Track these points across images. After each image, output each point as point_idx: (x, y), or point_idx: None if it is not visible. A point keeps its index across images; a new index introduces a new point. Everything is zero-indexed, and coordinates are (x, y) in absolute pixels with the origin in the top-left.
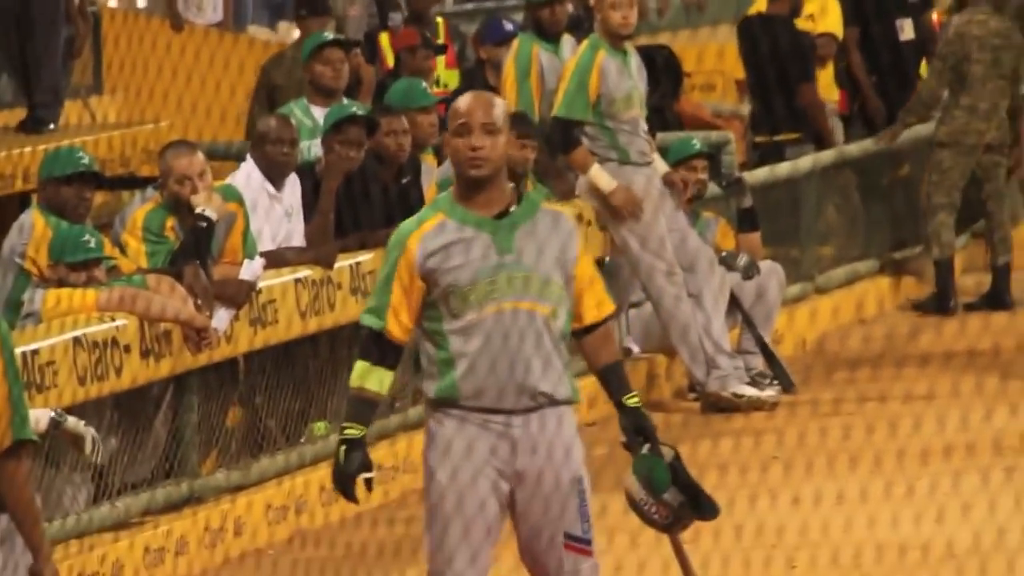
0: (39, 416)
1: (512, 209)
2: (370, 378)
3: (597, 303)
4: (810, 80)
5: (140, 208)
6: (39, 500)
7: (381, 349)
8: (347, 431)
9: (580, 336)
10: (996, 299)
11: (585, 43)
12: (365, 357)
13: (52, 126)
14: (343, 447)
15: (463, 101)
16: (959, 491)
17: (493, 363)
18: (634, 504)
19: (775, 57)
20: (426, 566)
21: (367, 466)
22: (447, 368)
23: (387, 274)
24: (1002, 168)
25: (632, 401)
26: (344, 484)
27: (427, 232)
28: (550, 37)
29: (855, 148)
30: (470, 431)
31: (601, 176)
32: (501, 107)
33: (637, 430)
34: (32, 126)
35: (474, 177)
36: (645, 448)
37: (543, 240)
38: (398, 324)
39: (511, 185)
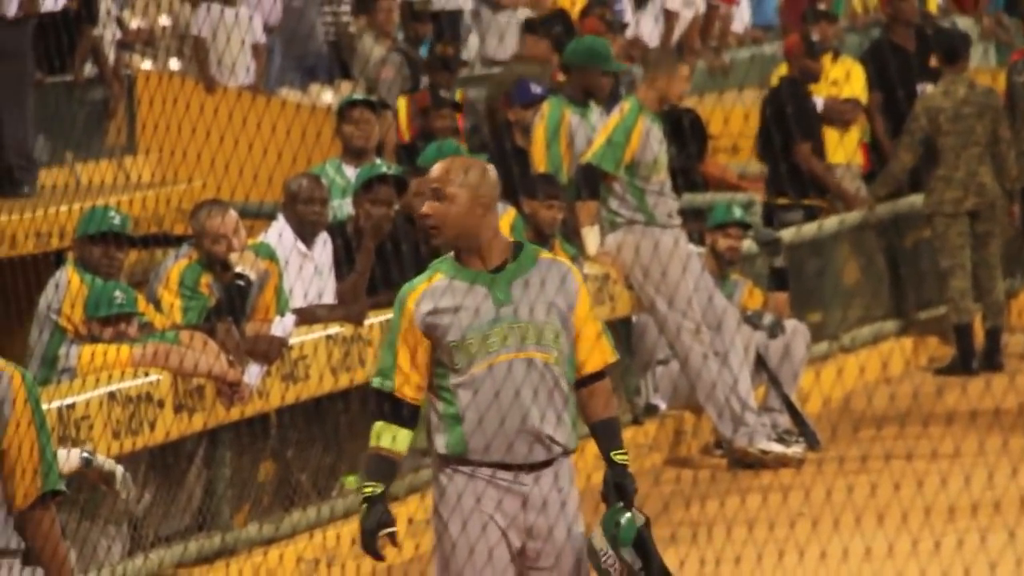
0: (70, 455)
1: (508, 262)
2: (384, 436)
3: (598, 353)
4: (806, 140)
5: (176, 264)
6: (73, 553)
7: (392, 408)
8: (365, 489)
9: (579, 387)
10: (990, 362)
11: (629, 103)
12: (378, 416)
13: (27, 189)
14: (363, 505)
15: (438, 167)
16: (986, 548)
17: (498, 415)
18: (593, 553)
19: (777, 120)
20: None
21: (387, 522)
22: (455, 423)
23: (391, 335)
24: (993, 237)
25: (620, 458)
26: (366, 541)
27: (425, 291)
28: (580, 101)
29: (880, 209)
30: (478, 485)
31: (592, 238)
32: (460, 168)
33: (618, 486)
34: (9, 189)
35: (432, 244)
36: (619, 504)
37: (539, 289)
38: (407, 383)
39: (509, 240)
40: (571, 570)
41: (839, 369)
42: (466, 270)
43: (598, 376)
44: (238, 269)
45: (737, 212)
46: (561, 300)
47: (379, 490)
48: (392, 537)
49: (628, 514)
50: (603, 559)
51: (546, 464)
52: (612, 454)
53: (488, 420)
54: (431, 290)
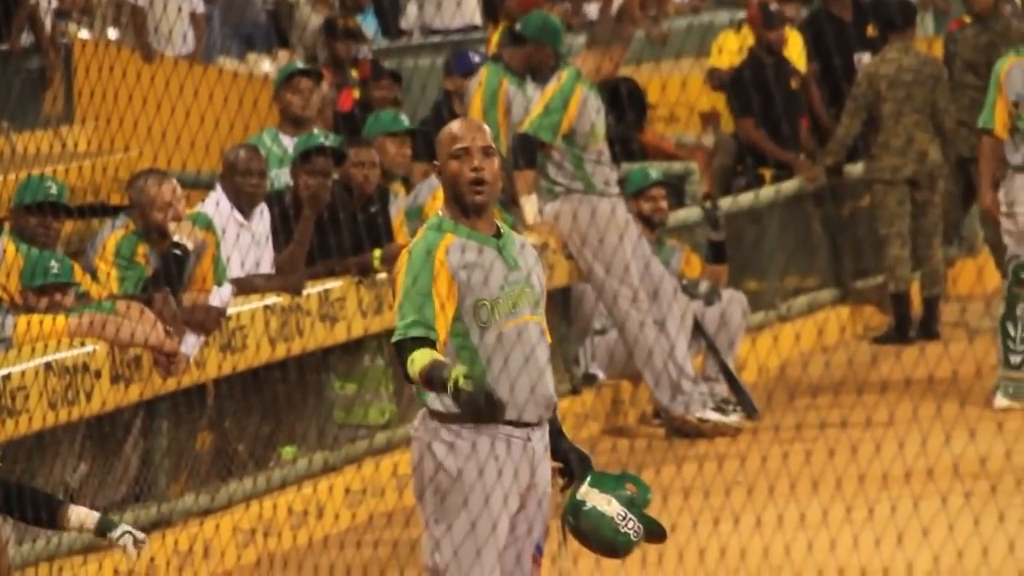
0: (89, 515)
1: (503, 229)
2: (434, 356)
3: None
4: (747, 115)
5: (112, 235)
6: (8, 525)
7: (432, 347)
8: (452, 373)
9: None
10: (926, 330)
11: (567, 72)
12: (422, 347)
13: None
14: (462, 380)
15: (458, 126)
16: (919, 515)
17: (520, 377)
18: (599, 520)
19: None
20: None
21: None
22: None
23: (422, 291)
24: (932, 205)
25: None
26: (491, 402)
27: (450, 247)
28: (519, 73)
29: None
30: (500, 449)
31: (530, 207)
32: (490, 132)
33: (581, 457)
34: None
35: (475, 200)
36: (613, 473)
37: (529, 259)
38: (440, 335)
39: None
40: (537, 533)
41: (775, 337)
42: (475, 232)
43: None
44: (175, 238)
45: (653, 173)
46: (540, 272)
47: (460, 368)
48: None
49: (636, 478)
50: (621, 523)
51: (543, 422)
52: (562, 428)
53: (515, 380)
54: (454, 246)
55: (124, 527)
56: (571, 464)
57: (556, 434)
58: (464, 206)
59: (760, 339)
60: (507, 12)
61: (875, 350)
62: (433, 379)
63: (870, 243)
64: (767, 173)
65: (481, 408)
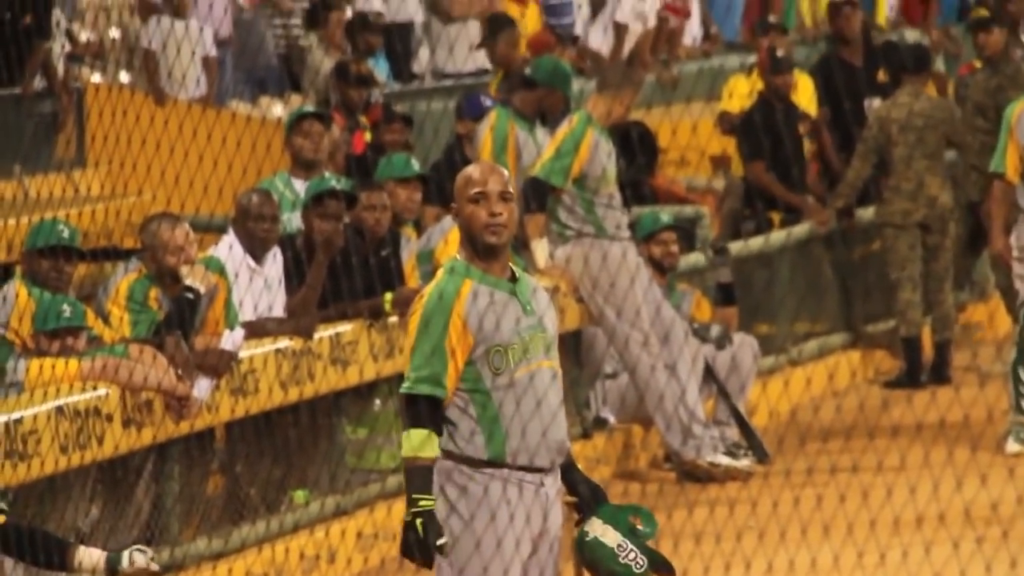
0: (98, 556)
1: (516, 273)
2: (428, 446)
3: None
4: (757, 159)
5: (124, 278)
6: (20, 568)
7: (435, 416)
8: (422, 503)
9: None
10: (937, 374)
11: (578, 116)
12: (422, 425)
13: None
14: (420, 521)
15: (477, 170)
16: (930, 560)
17: (532, 422)
18: (601, 551)
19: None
20: None
21: (441, 533)
22: (493, 427)
23: (433, 342)
24: (943, 249)
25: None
26: (427, 554)
27: (467, 296)
28: (530, 117)
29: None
30: (512, 494)
31: (541, 251)
32: (510, 177)
33: (592, 489)
34: None
35: (492, 244)
36: (620, 504)
37: (545, 305)
38: (451, 389)
39: None
40: (556, 563)
41: (786, 382)
42: (489, 277)
43: None
44: (187, 282)
45: (664, 217)
46: (552, 316)
47: (432, 503)
48: (442, 548)
49: (642, 510)
50: (621, 554)
51: (554, 467)
52: (574, 461)
53: (523, 426)
54: (472, 294)
55: (130, 550)
56: (583, 497)
57: (569, 467)
58: (479, 249)
59: (771, 383)
60: (498, 61)
61: (886, 394)
62: (411, 482)
63: (881, 287)
64: (776, 217)
65: (413, 555)
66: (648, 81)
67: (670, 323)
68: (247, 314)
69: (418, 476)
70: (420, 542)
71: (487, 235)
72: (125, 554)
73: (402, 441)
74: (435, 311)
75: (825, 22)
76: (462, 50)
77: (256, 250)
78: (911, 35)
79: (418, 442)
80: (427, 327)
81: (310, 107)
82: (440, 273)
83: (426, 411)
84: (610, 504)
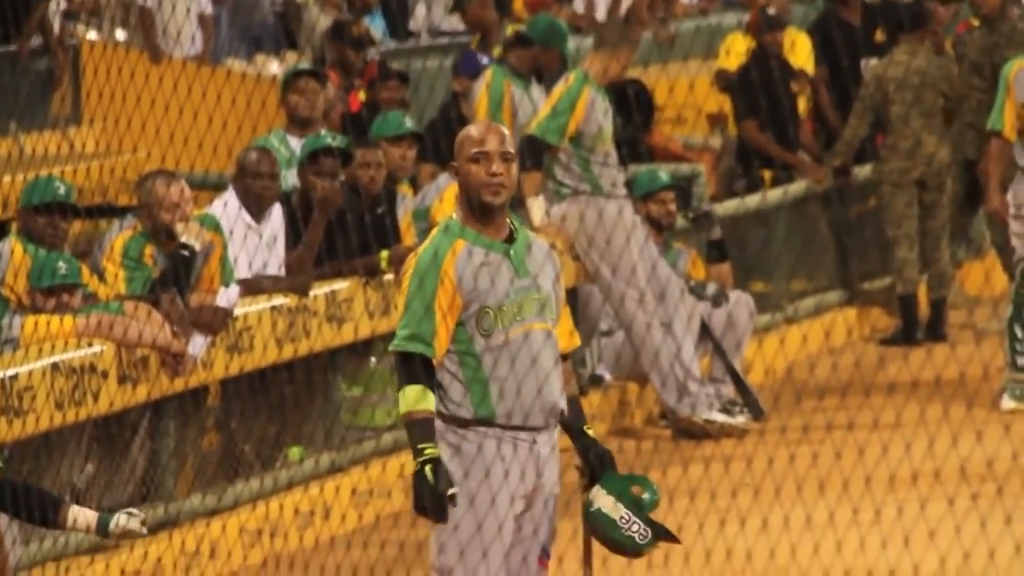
0: (90, 516)
1: (513, 234)
2: (424, 400)
3: (570, 332)
4: (751, 117)
5: (119, 235)
6: (16, 524)
7: (428, 373)
8: (427, 451)
9: None
10: (933, 332)
11: (575, 74)
12: (416, 381)
13: None
14: (429, 467)
15: (477, 129)
16: (925, 517)
17: (523, 383)
18: (603, 520)
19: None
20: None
21: (452, 482)
22: (481, 388)
23: (426, 301)
24: (940, 207)
25: (591, 431)
26: (437, 502)
27: (459, 256)
28: (525, 75)
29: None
30: (506, 451)
31: (537, 208)
32: (510, 137)
33: (600, 456)
34: None
35: (490, 203)
36: (621, 474)
37: (541, 263)
38: (441, 348)
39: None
40: (543, 535)
41: (782, 339)
42: (483, 238)
43: (565, 356)
44: (183, 239)
45: (663, 176)
46: (552, 276)
47: (436, 450)
48: (453, 498)
49: (646, 481)
50: (624, 525)
51: (550, 426)
52: (584, 427)
53: (513, 387)
54: (463, 255)
55: (119, 513)
56: (590, 462)
57: (579, 432)
58: (477, 208)
59: (767, 341)
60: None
61: (882, 352)
62: (413, 434)
63: (877, 245)
64: (768, 175)
65: (425, 504)
66: (645, 39)
67: (666, 280)
68: (243, 271)
69: (419, 428)
70: (432, 489)
71: (486, 194)
72: (115, 516)
73: (399, 399)
74: (428, 270)
75: None
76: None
77: (254, 207)
78: None
79: (413, 398)
80: (420, 286)
81: (306, 64)
82: (434, 232)
83: (420, 367)
84: (614, 474)
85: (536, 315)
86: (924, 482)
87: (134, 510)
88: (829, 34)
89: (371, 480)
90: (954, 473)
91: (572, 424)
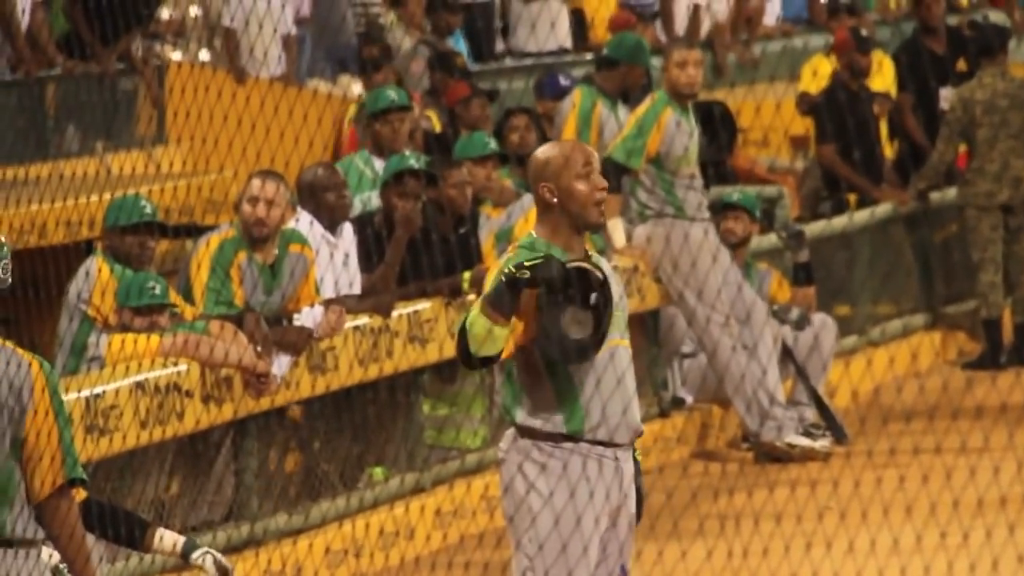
0: (176, 539)
1: (592, 255)
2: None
3: None
4: (829, 142)
5: (214, 235)
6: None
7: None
8: (512, 265)
9: None
10: (1019, 356)
11: (653, 97)
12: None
13: None
14: (536, 262)
15: (573, 147)
16: (1014, 541)
17: (611, 398)
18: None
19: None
20: None
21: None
22: (571, 403)
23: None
24: None
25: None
26: (556, 264)
27: None
28: (612, 96)
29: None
30: (591, 469)
31: (618, 231)
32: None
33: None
34: None
35: (598, 222)
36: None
37: (617, 284)
38: (506, 352)
39: None
40: (627, 553)
41: (868, 362)
42: (567, 255)
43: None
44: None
45: (734, 196)
46: (624, 297)
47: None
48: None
49: None
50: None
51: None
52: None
53: (602, 402)
54: None
55: (205, 548)
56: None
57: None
58: (581, 226)
59: (853, 364)
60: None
61: (969, 375)
62: (499, 292)
63: (961, 268)
64: (852, 198)
65: (552, 272)
66: (730, 61)
67: (751, 304)
68: (327, 290)
69: (498, 286)
70: (545, 261)
71: (595, 213)
72: (201, 550)
73: (468, 326)
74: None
75: (907, 2)
76: (543, 29)
77: (327, 222)
78: (995, 16)
79: (477, 304)
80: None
81: (392, 92)
82: (514, 247)
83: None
84: None
85: (620, 331)
86: (1013, 506)
87: (223, 558)
88: (916, 60)
89: (455, 500)
90: None
91: None
